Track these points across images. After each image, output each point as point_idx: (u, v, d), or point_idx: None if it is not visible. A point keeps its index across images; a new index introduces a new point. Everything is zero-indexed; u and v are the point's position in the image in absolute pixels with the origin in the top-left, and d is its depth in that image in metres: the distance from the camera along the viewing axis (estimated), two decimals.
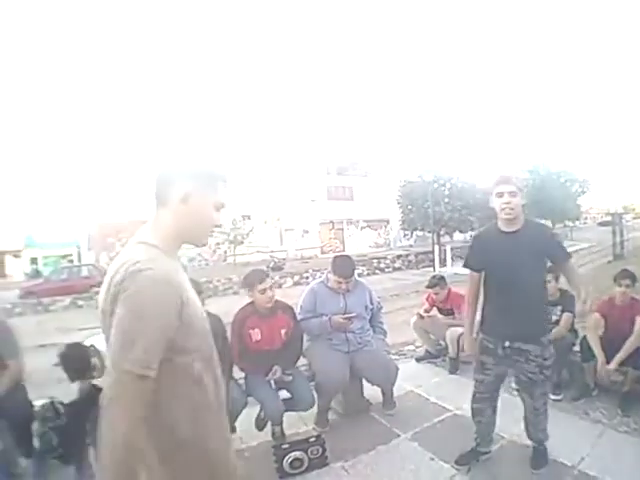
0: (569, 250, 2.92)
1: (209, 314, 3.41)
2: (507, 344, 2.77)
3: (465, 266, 3.02)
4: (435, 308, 5.31)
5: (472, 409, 3.08)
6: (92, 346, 3.04)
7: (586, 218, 61.11)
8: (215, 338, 3.17)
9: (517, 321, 2.70)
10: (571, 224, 41.30)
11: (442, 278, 5.29)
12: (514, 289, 2.69)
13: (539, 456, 2.93)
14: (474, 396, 3.04)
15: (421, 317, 5.24)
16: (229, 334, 3.47)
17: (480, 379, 2.97)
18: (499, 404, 3.04)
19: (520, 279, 2.65)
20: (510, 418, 3.28)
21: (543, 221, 2.81)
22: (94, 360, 2.99)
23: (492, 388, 2.96)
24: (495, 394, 2.99)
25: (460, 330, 4.73)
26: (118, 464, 1.11)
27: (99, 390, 2.99)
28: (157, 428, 1.25)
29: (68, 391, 3.02)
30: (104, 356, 2.91)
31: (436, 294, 5.14)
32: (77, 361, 2.98)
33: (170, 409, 1.26)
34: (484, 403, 2.99)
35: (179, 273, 1.33)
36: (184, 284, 1.31)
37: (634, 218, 44.21)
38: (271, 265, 20.45)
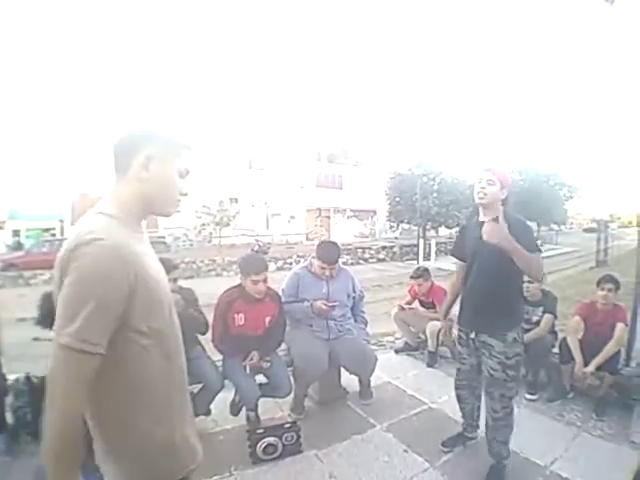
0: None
1: (181, 288, 3.38)
2: (473, 335, 2.82)
3: (451, 254, 3.15)
4: (417, 301, 5.31)
5: (456, 395, 3.16)
6: None
7: (572, 223, 61.72)
8: (185, 307, 3.12)
9: (481, 312, 2.75)
10: (557, 228, 41.67)
11: (426, 270, 5.29)
12: (481, 279, 2.74)
13: (495, 475, 2.79)
14: (455, 383, 3.13)
15: (402, 309, 5.24)
16: (212, 314, 3.43)
17: (458, 367, 3.09)
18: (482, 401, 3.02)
19: (487, 269, 2.67)
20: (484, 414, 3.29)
21: (529, 222, 2.69)
22: None
23: (469, 377, 3.01)
24: (474, 382, 3.02)
25: (439, 324, 4.75)
26: (57, 438, 1.07)
27: None
28: (103, 410, 1.21)
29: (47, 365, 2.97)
30: None
31: (419, 285, 5.12)
32: (49, 308, 2.93)
33: (117, 391, 1.21)
34: (464, 390, 3.08)
35: (138, 245, 1.24)
36: (142, 257, 1.23)
37: (619, 227, 44.71)
38: (255, 249, 20.34)
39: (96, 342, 1.08)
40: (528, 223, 2.76)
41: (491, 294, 2.69)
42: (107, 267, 1.10)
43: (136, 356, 1.20)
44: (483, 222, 2.62)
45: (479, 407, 3.11)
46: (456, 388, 3.13)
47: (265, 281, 3.42)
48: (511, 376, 2.70)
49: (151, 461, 1.27)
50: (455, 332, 3.20)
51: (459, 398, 3.14)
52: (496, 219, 2.46)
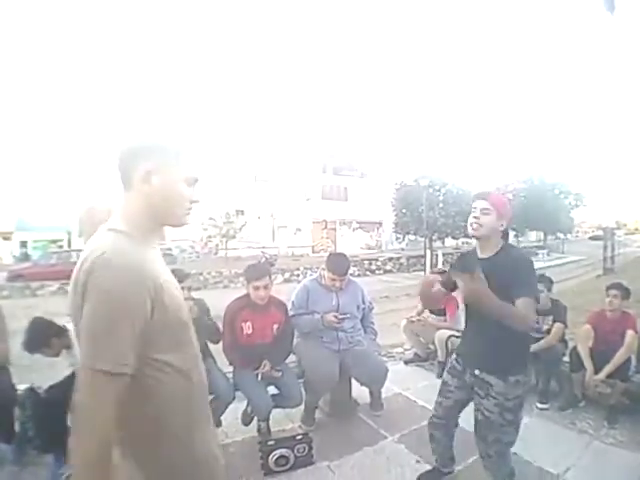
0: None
1: (193, 299, 3.42)
2: (476, 372, 2.46)
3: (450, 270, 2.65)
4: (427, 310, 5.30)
5: (429, 434, 2.80)
6: (64, 326, 2.99)
7: (578, 232, 61.46)
8: (199, 315, 3.16)
9: (485, 351, 2.41)
10: (563, 236, 41.52)
11: (444, 272, 5.32)
12: (483, 318, 2.21)
13: None
14: (430, 419, 2.78)
15: (411, 322, 5.25)
16: (221, 324, 3.46)
17: (439, 401, 2.71)
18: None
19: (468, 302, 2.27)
20: None
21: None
22: (54, 340, 2.96)
23: (449, 414, 2.69)
24: (452, 422, 2.73)
25: (448, 332, 4.76)
26: (92, 464, 1.05)
27: None
28: (132, 432, 1.22)
29: (54, 376, 2.98)
30: (72, 338, 2.89)
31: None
32: (35, 334, 2.97)
33: (143, 411, 1.21)
34: (439, 430, 2.74)
35: (153, 261, 1.24)
36: (158, 272, 1.22)
37: (626, 234, 44.51)
38: (262, 261, 20.43)
39: (126, 362, 1.09)
40: (532, 261, 2.41)
41: (495, 334, 2.28)
42: (128, 287, 1.10)
43: (157, 373, 1.20)
44: (481, 259, 2.42)
45: (452, 446, 2.81)
46: (430, 427, 2.77)
47: (266, 287, 3.44)
48: (508, 420, 2.35)
49: (182, 476, 1.29)
50: None
51: (431, 438, 2.78)
52: (475, 277, 2.04)
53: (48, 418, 2.96)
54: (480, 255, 2.45)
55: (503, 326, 2.14)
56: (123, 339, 1.08)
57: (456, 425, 2.75)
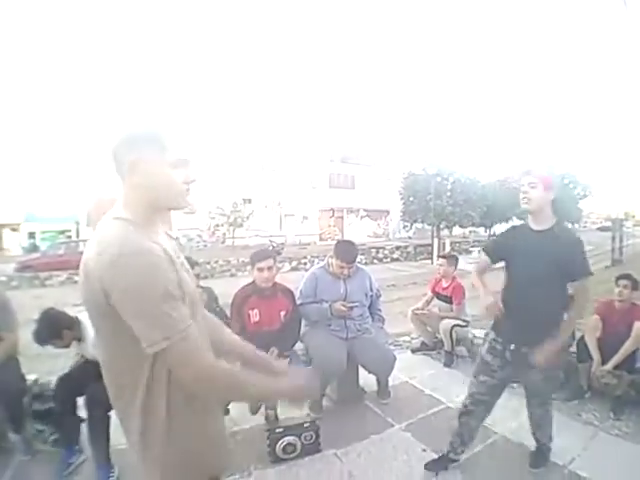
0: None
1: (202, 288, 3.42)
2: (512, 347, 2.63)
3: (484, 250, 2.92)
4: (435, 297, 5.37)
5: (464, 407, 2.88)
6: (76, 318, 2.95)
7: (586, 222, 60.98)
8: (208, 303, 3.16)
9: (527, 326, 2.54)
10: (571, 227, 41.28)
11: (453, 256, 5.37)
12: (530, 292, 2.52)
13: (540, 455, 2.91)
14: (472, 396, 2.83)
15: (416, 314, 5.27)
16: (228, 312, 3.48)
17: (482, 380, 2.78)
18: (499, 400, 2.90)
19: (537, 281, 2.48)
20: (506, 415, 3.30)
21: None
22: (65, 331, 2.90)
23: (493, 392, 2.79)
24: (494, 399, 2.83)
25: (453, 322, 4.78)
26: (248, 387, 1.25)
27: (91, 363, 2.98)
28: (153, 416, 1.24)
29: (62, 365, 3.00)
30: (83, 329, 2.89)
31: (440, 265, 5.28)
32: (46, 325, 2.89)
33: (165, 395, 1.24)
34: (479, 406, 2.82)
35: (162, 244, 1.27)
36: (171, 255, 1.27)
37: (634, 225, 44.15)
38: (270, 250, 20.41)
39: (189, 320, 1.19)
40: (579, 238, 2.61)
41: (539, 308, 2.51)
42: (150, 269, 1.13)
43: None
44: (535, 231, 2.60)
45: (478, 428, 2.91)
46: (471, 402, 2.83)
47: (270, 269, 3.46)
48: (550, 387, 2.79)
49: (197, 458, 1.32)
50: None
51: (468, 412, 2.85)
52: (548, 350, 2.43)
53: (58, 412, 2.99)
54: (534, 227, 2.63)
55: (543, 305, 2.51)
56: (175, 307, 1.16)
57: (494, 404, 2.86)
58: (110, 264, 1.11)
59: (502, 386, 2.80)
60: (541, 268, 2.48)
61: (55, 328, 2.89)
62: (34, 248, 25.09)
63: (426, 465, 2.93)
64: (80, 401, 2.98)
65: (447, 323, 4.86)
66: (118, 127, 1.32)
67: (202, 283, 3.70)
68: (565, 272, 2.47)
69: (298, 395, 1.43)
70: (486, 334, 2.89)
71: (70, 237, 26.36)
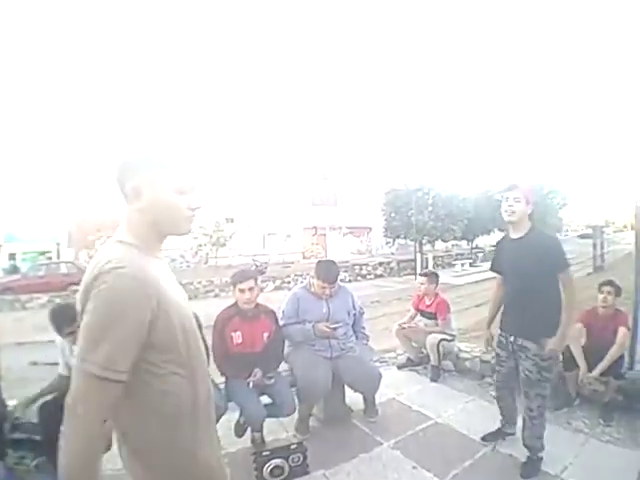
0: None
1: None
2: (512, 339, 3.03)
3: (491, 269, 3.39)
4: (418, 314, 5.31)
5: (495, 397, 3.46)
6: None
7: (567, 231, 61.77)
8: None
9: (520, 319, 2.96)
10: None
11: (436, 274, 5.34)
12: (518, 290, 2.99)
13: (531, 465, 2.95)
14: (495, 385, 3.41)
15: (402, 328, 5.24)
16: (211, 336, 3.42)
17: (497, 369, 3.29)
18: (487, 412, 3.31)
19: (522, 281, 2.92)
20: (493, 428, 3.29)
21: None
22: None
23: (508, 379, 3.19)
24: (512, 383, 3.20)
25: (439, 336, 4.77)
26: (75, 461, 1.09)
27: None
28: (140, 439, 1.24)
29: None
30: None
31: (427, 284, 5.17)
32: (61, 318, 2.94)
33: (151, 412, 1.23)
34: (502, 391, 3.29)
35: (159, 272, 1.26)
36: (163, 284, 1.24)
37: (614, 232, 44.80)
38: (253, 269, 20.36)
39: (120, 370, 1.11)
40: (555, 238, 3.04)
41: (527, 304, 2.91)
42: (129, 295, 1.12)
43: (162, 378, 1.22)
44: (513, 239, 3.00)
45: (516, 407, 3.31)
46: (496, 389, 3.38)
47: (252, 290, 3.42)
48: (545, 377, 2.90)
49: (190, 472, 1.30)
50: (494, 339, 3.35)
51: (497, 398, 3.38)
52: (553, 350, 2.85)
53: (45, 440, 2.90)
54: (513, 236, 3.02)
55: (531, 300, 2.89)
56: (116, 345, 1.10)
57: (517, 387, 3.17)
58: (99, 278, 1.12)
59: (513, 374, 3.14)
60: (524, 269, 2.89)
61: (68, 319, 2.90)
62: (14, 269, 24.72)
63: (483, 437, 3.38)
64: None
65: (434, 337, 4.84)
66: (124, 149, 1.32)
67: None
68: (546, 269, 2.83)
69: None
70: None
71: (51, 258, 26.03)
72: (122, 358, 1.11)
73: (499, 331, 3.23)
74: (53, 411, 2.85)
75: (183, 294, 1.39)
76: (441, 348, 4.79)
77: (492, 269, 3.37)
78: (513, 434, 3.31)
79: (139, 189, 1.24)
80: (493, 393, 3.62)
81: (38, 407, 3.02)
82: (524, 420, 3.03)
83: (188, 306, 1.39)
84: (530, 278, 2.87)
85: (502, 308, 3.24)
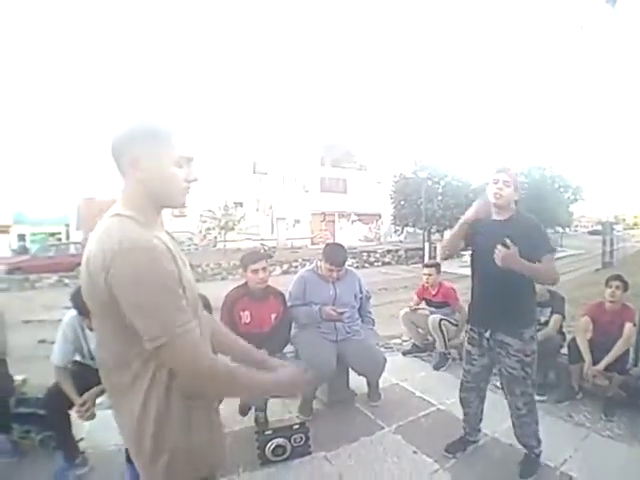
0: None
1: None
2: (487, 334, 2.79)
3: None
4: (424, 302, 5.32)
5: (460, 398, 3.10)
6: None
7: (577, 226, 61.33)
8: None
9: (497, 310, 2.71)
10: (562, 231, 41.42)
11: (438, 264, 5.33)
12: (496, 277, 2.60)
13: (528, 463, 2.85)
14: (461, 385, 3.07)
15: (413, 311, 5.25)
16: (218, 315, 3.44)
17: (467, 369, 3.00)
18: (489, 402, 3.08)
19: (500, 268, 2.48)
20: (496, 416, 3.27)
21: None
22: None
23: (478, 379, 2.97)
24: (482, 384, 3.00)
25: (439, 316, 4.78)
26: (239, 384, 1.25)
27: (83, 366, 2.93)
28: (156, 411, 1.22)
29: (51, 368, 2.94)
30: None
31: (429, 275, 5.17)
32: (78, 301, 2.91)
33: (165, 393, 1.22)
34: (470, 393, 3.02)
35: (165, 240, 1.26)
36: (173, 252, 1.25)
37: (625, 229, 44.48)
38: (261, 252, 20.31)
39: (189, 319, 1.17)
40: (538, 222, 2.77)
41: (505, 293, 2.65)
42: (154, 265, 1.13)
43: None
44: (496, 220, 2.75)
45: (482, 410, 3.10)
46: (462, 391, 3.07)
47: (265, 270, 3.45)
48: (529, 373, 2.73)
49: (196, 456, 1.31)
50: None
51: (463, 402, 3.09)
52: (506, 245, 2.43)
53: (53, 423, 2.93)
54: (496, 217, 2.78)
55: (509, 289, 2.62)
56: (178, 302, 1.15)
57: (486, 388, 3.05)
58: (111, 260, 1.10)
59: (485, 373, 2.96)
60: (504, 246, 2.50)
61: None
62: (24, 250, 24.89)
63: (446, 448, 3.09)
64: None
65: (434, 318, 4.84)
66: (121, 121, 1.30)
67: None
68: (528, 254, 2.50)
69: (295, 388, 1.46)
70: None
71: (60, 239, 26.17)
72: (185, 308, 1.17)
73: (469, 325, 2.97)
74: (59, 395, 2.87)
75: (187, 262, 1.39)
76: (444, 328, 4.79)
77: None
78: (477, 442, 3.18)
79: (137, 159, 1.23)
80: (497, 383, 3.44)
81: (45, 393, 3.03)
82: (513, 420, 2.89)
83: (194, 280, 1.39)
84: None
85: (473, 299, 2.93)
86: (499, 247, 2.44)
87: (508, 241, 2.42)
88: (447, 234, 3.08)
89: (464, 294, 3.20)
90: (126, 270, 1.10)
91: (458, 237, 2.86)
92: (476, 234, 2.83)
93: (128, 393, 1.22)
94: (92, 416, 2.79)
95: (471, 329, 2.94)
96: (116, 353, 1.22)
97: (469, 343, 2.95)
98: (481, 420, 3.12)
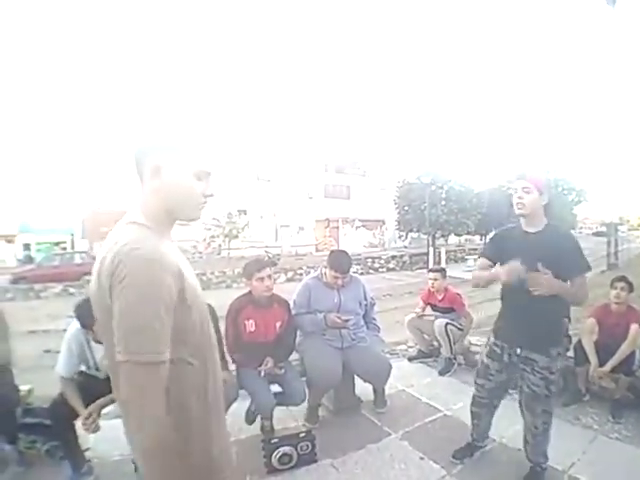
0: None
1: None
2: (513, 351, 2.68)
3: (481, 254, 2.94)
4: (429, 307, 5.31)
5: (471, 412, 3.04)
6: None
7: (581, 228, 61.28)
8: None
9: (526, 327, 2.59)
10: None
11: (444, 269, 5.33)
12: (526, 293, 2.43)
13: (534, 477, 2.79)
14: (474, 399, 2.99)
15: (419, 316, 5.24)
16: (223, 324, 3.45)
17: (481, 383, 2.90)
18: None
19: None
20: (503, 421, 3.25)
21: None
22: None
23: (493, 395, 2.89)
24: (496, 401, 2.94)
25: (445, 320, 4.78)
26: (155, 449, 1.12)
27: (89, 377, 2.94)
28: None
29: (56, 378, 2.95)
30: None
31: (435, 280, 5.15)
32: (89, 312, 2.89)
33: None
34: (482, 408, 2.96)
35: (175, 253, 1.26)
36: (181, 264, 1.24)
37: (629, 230, 44.31)
38: (266, 260, 20.31)
39: (165, 350, 1.13)
40: (573, 236, 2.65)
41: (537, 310, 2.50)
42: (155, 278, 1.12)
43: (175, 369, 1.20)
44: (528, 233, 2.61)
45: (491, 422, 3.05)
46: (474, 405, 3.00)
47: (270, 277, 3.43)
48: (552, 391, 2.63)
49: (198, 469, 1.29)
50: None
51: (474, 415, 3.03)
52: (538, 271, 2.31)
53: (58, 434, 2.93)
54: (527, 230, 2.63)
55: (539, 306, 2.45)
56: (160, 328, 1.11)
57: (499, 405, 2.97)
58: (118, 263, 1.11)
59: (501, 389, 2.88)
60: (536, 269, 2.36)
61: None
62: (29, 259, 25.01)
63: (453, 454, 3.05)
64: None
65: (440, 322, 4.83)
66: (147, 128, 1.33)
67: None
68: (562, 270, 2.41)
69: None
70: (488, 339, 2.94)
71: (65, 249, 26.29)
72: (167, 338, 1.13)
73: (493, 339, 2.84)
74: (64, 406, 2.87)
75: (193, 273, 1.37)
76: (450, 332, 4.78)
77: (485, 255, 2.86)
78: (484, 447, 3.15)
79: (159, 168, 1.24)
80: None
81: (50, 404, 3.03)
82: (526, 436, 2.79)
83: (199, 286, 1.37)
84: None
85: (501, 313, 2.85)
86: (531, 275, 2.32)
87: (541, 267, 2.31)
88: (476, 271, 2.88)
89: (469, 298, 3.17)
90: (127, 274, 1.09)
91: (486, 282, 2.71)
92: (507, 247, 2.67)
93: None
94: (97, 428, 2.79)
95: (494, 343, 2.82)
96: (114, 379, 1.21)
97: (489, 357, 2.85)
98: (489, 429, 3.09)
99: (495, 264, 2.68)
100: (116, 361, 1.10)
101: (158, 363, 1.11)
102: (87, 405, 2.79)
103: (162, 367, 1.12)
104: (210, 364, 1.34)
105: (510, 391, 3.32)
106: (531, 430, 2.73)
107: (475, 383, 2.97)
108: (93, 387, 2.77)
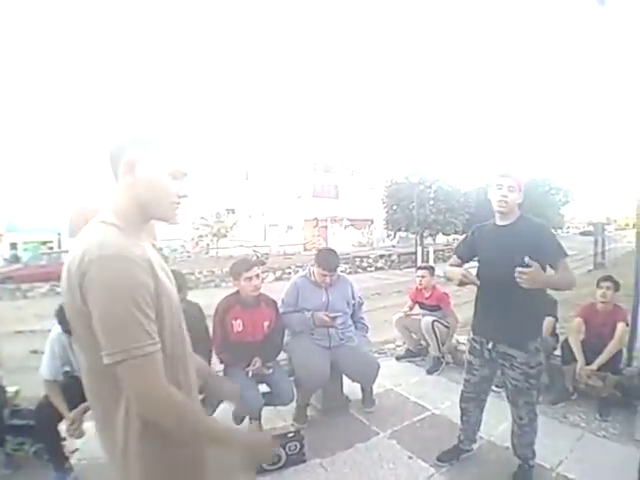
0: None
1: (188, 302, 3.32)
2: (490, 346, 2.69)
3: (454, 251, 3.00)
4: (417, 306, 5.32)
5: (460, 408, 3.04)
6: None
7: (568, 228, 61.72)
8: (195, 326, 3.09)
9: (502, 322, 2.58)
10: (553, 232, 41.60)
11: (432, 267, 5.36)
12: (501, 287, 2.46)
13: (522, 474, 2.79)
14: (462, 395, 3.00)
15: (407, 316, 5.26)
16: (211, 324, 3.43)
17: (467, 378, 2.93)
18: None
19: (508, 276, 2.26)
20: (491, 419, 3.27)
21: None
22: None
23: (478, 389, 2.90)
24: (482, 395, 2.94)
25: (432, 318, 4.80)
26: (185, 423, 1.17)
27: (73, 378, 2.91)
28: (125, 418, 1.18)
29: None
30: None
31: (422, 277, 5.18)
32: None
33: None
34: (470, 403, 2.96)
35: (146, 251, 1.22)
36: (153, 262, 1.21)
37: (616, 229, 44.72)
38: (254, 259, 20.29)
39: (153, 340, 1.12)
40: (545, 224, 2.65)
41: (511, 303, 2.51)
42: (128, 278, 1.10)
43: None
44: (500, 226, 2.64)
45: (481, 420, 3.04)
46: (462, 401, 3.00)
47: (258, 277, 3.43)
48: (534, 384, 2.63)
49: (182, 471, 1.28)
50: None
51: (463, 411, 3.02)
52: (528, 266, 2.19)
53: (43, 437, 2.90)
54: (499, 223, 2.66)
55: (514, 300, 2.47)
56: (144, 319, 1.10)
57: (486, 398, 2.97)
58: (88, 264, 1.08)
59: (486, 384, 2.90)
60: (511, 261, 2.28)
61: None
62: (16, 259, 24.75)
63: (438, 457, 3.04)
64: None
65: (427, 319, 4.87)
66: (123, 127, 1.31)
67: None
68: (542, 259, 2.32)
69: (249, 454, 1.35)
70: (469, 334, 2.96)
71: (52, 248, 26.04)
72: (152, 325, 1.13)
73: (471, 335, 2.88)
74: (49, 409, 2.84)
75: (171, 277, 1.35)
76: (437, 330, 4.81)
77: (457, 252, 2.93)
78: (471, 451, 3.10)
79: (134, 164, 1.21)
80: (493, 387, 3.29)
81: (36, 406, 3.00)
82: (513, 428, 2.81)
83: (175, 291, 1.35)
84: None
85: (477, 308, 2.84)
86: (519, 269, 2.20)
87: (528, 259, 2.21)
88: (448, 267, 2.89)
89: (456, 297, 3.18)
90: (100, 276, 1.08)
91: (458, 282, 2.66)
92: (480, 242, 2.76)
93: (108, 404, 1.19)
94: (81, 434, 2.77)
95: (473, 339, 2.85)
96: (95, 361, 1.14)
97: (470, 353, 2.88)
98: (479, 429, 3.08)
99: (466, 261, 2.87)
100: (106, 364, 1.08)
101: (153, 352, 1.11)
102: (73, 406, 2.76)
103: (157, 355, 1.13)
104: (181, 362, 1.31)
105: (497, 389, 3.34)
106: (517, 422, 2.76)
107: (464, 379, 2.98)
108: (78, 388, 2.75)
